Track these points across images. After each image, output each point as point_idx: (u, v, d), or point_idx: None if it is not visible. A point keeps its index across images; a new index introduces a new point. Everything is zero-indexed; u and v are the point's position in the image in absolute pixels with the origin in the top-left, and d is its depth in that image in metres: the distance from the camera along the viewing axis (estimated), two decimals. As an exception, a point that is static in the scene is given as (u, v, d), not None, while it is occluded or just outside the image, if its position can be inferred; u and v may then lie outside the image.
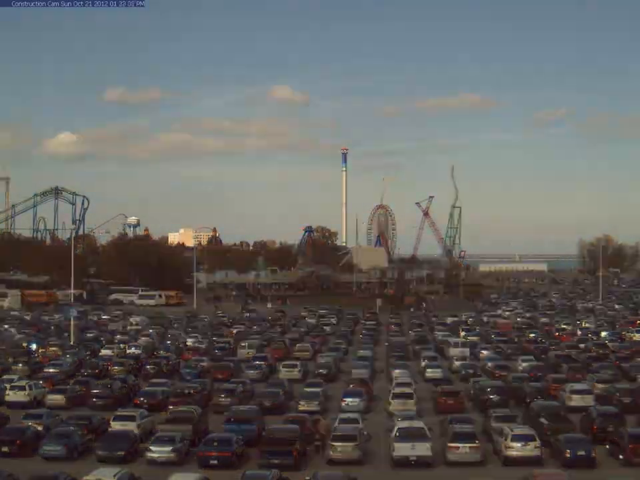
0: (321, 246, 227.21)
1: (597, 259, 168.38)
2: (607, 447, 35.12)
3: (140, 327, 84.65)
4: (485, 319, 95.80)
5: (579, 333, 77.29)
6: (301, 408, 43.94)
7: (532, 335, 75.03)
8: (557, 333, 78.13)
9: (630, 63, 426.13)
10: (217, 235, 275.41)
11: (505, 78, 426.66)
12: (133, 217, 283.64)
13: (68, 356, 60.55)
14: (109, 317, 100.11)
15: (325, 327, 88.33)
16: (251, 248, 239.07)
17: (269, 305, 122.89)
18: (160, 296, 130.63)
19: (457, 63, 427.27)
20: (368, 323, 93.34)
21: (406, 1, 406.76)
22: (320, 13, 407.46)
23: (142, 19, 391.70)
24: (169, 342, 71.61)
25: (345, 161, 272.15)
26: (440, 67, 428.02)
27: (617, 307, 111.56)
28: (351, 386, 48.21)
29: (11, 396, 45.94)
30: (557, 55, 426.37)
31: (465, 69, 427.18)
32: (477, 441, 34.17)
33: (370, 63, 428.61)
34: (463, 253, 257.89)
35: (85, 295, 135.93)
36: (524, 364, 56.42)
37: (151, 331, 79.61)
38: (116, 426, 37.97)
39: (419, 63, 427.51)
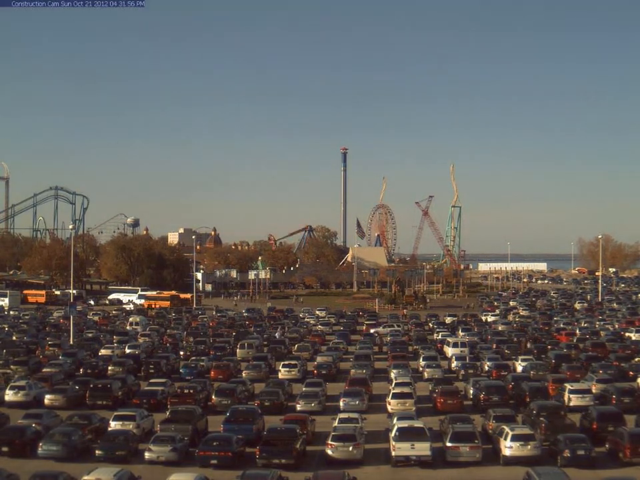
0: (320, 246, 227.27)
1: (596, 259, 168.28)
2: (607, 446, 35.16)
3: (139, 327, 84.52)
4: (484, 318, 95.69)
5: (579, 332, 77.21)
6: (300, 408, 43.93)
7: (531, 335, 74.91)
8: (556, 333, 78.05)
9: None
10: (217, 234, 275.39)
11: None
12: (132, 217, 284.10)
13: (65, 356, 60.45)
14: (107, 316, 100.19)
15: (324, 327, 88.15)
16: (251, 247, 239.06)
17: (269, 304, 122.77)
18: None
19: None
20: (368, 322, 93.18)
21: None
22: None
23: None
24: (167, 342, 71.55)
25: (344, 160, 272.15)
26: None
27: (616, 306, 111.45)
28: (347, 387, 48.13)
29: (11, 396, 45.90)
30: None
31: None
32: (476, 441, 34.15)
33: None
34: (462, 253, 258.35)
35: (84, 295, 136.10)
36: (524, 364, 56.44)
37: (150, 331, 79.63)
38: (116, 426, 38.00)
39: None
